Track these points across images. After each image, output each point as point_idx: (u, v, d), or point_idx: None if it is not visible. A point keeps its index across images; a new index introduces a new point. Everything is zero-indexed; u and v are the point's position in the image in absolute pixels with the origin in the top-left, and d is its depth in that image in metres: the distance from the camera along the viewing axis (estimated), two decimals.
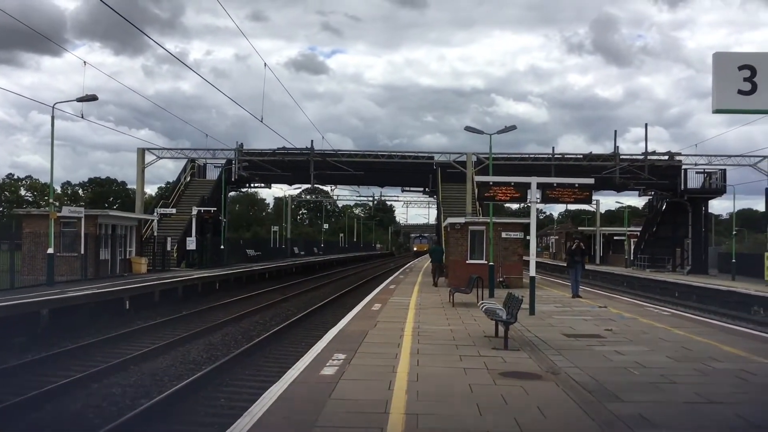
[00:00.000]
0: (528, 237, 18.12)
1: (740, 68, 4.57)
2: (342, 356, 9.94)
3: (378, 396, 7.37)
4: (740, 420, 6.45)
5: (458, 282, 22.83)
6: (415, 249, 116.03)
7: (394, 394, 7.49)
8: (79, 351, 14.67)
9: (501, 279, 25.72)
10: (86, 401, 10.45)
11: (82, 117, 27.20)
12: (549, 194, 16.28)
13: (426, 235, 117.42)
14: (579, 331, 13.36)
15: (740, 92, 4.56)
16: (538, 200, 16.40)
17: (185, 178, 44.38)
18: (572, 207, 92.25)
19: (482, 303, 13.75)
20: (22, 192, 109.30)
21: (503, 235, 26.34)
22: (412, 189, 50.56)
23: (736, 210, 56.06)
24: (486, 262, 24.25)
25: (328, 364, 9.28)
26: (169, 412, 9.86)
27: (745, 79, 4.57)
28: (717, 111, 4.66)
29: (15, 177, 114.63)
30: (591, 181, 16.83)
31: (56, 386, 10.92)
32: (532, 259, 16.92)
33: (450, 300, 19.33)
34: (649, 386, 8.13)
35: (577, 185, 16.40)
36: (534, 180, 16.27)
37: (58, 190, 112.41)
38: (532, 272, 16.78)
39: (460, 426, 6.31)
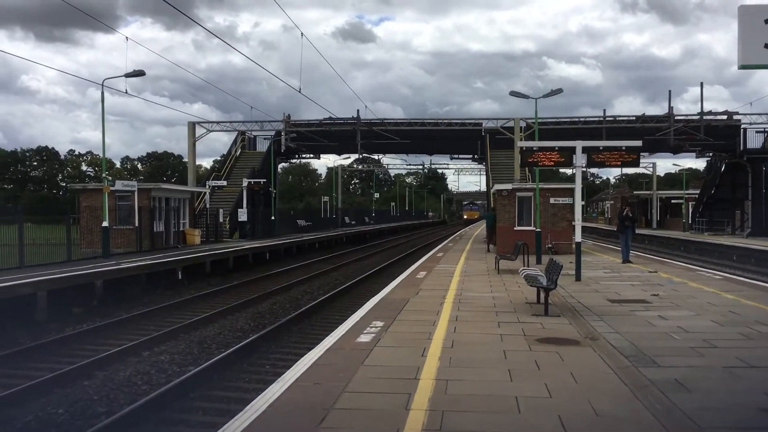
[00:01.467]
0: (575, 203, 17.78)
1: (767, 21, 4.34)
2: (380, 324, 10.03)
3: (410, 363, 7.43)
4: None
5: (506, 249, 22.65)
6: (465, 217, 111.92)
7: (426, 361, 7.53)
8: (131, 321, 15.20)
9: (550, 245, 25.44)
10: (136, 368, 10.84)
11: (126, 92, 27.78)
12: (595, 158, 15.93)
13: (478, 202, 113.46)
14: (624, 297, 13.14)
15: (767, 46, 4.33)
16: (584, 165, 16.08)
17: (236, 151, 45.05)
18: (629, 171, 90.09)
19: (523, 269, 13.64)
20: (84, 167, 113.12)
21: (551, 201, 26.00)
22: (461, 156, 50.15)
23: None
24: (534, 228, 23.99)
25: (365, 332, 9.38)
26: (214, 378, 10.15)
27: None
28: (743, 67, 4.45)
29: (76, 153, 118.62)
30: (639, 143, 16.37)
31: (106, 355, 11.35)
32: (578, 224, 16.65)
33: (496, 267, 19.23)
34: (689, 351, 7.97)
35: (624, 148, 15.98)
36: (579, 144, 15.93)
37: (118, 164, 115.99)
38: (578, 238, 16.53)
39: (489, 391, 6.31)
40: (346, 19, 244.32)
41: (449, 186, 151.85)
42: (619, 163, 16.10)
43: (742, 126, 41.90)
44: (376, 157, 75.76)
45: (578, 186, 16.68)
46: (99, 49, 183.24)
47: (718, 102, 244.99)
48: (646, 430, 5.21)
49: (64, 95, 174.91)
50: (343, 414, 5.65)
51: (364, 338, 8.90)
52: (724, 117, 42.13)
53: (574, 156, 15.83)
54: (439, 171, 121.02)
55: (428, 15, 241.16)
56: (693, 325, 9.72)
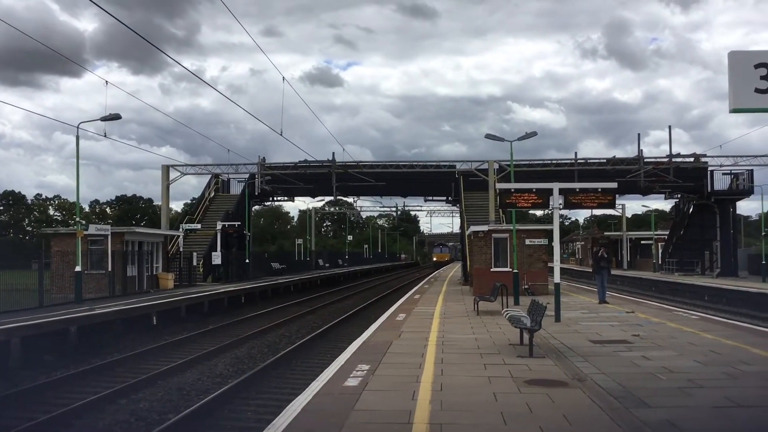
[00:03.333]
0: (553, 243, 17.98)
1: (756, 66, 4.51)
2: (366, 367, 9.94)
3: (402, 406, 7.35)
4: None
5: (483, 290, 22.71)
6: (434, 259, 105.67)
7: (417, 404, 7.46)
8: (106, 367, 14.83)
9: (526, 286, 25.58)
10: (114, 417, 10.54)
11: (105, 136, 27.76)
12: (572, 199, 16.17)
13: (449, 244, 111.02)
14: (605, 337, 13.21)
15: (757, 90, 4.49)
16: (561, 206, 16.29)
17: (209, 194, 44.82)
18: (598, 212, 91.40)
19: (506, 311, 13.67)
20: (51, 212, 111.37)
21: (527, 242, 26.22)
22: (434, 198, 50.45)
23: (765, 210, 55.09)
24: (510, 269, 24.13)
25: (352, 375, 9.28)
26: (195, 426, 9.92)
27: (762, 78, 4.51)
28: (734, 110, 4.60)
29: (43, 197, 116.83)
30: (614, 185, 16.69)
31: (83, 403, 11.03)
32: (556, 265, 16.79)
33: (474, 308, 19.25)
34: (676, 391, 8.02)
35: (600, 189, 16.28)
36: (556, 186, 16.18)
37: (86, 208, 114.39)
38: (557, 279, 16.65)
39: None
40: (314, 63, 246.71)
41: (422, 228, 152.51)
42: (596, 204, 16.38)
43: (710, 168, 42.97)
44: (349, 199, 76.00)
45: (556, 227, 16.88)
46: (64, 93, 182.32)
47: (680, 145, 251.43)
48: None
49: (29, 139, 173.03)
50: None
51: (352, 382, 8.80)
52: (692, 159, 43.18)
53: (551, 197, 16.05)
54: (412, 213, 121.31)
55: (396, 60, 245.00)
56: (677, 366, 9.80)
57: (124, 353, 16.67)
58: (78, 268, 24.12)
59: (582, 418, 6.88)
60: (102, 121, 24.76)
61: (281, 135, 29.01)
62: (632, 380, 8.67)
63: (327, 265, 66.84)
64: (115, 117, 24.47)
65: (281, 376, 14.01)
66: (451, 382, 8.82)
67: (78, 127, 24.68)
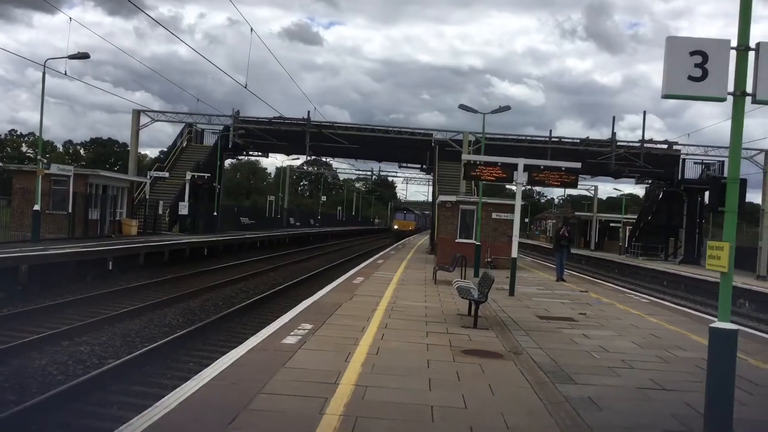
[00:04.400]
0: (522, 220, 18.02)
1: (692, 53, 4.47)
2: (309, 326, 9.95)
3: (332, 367, 7.37)
4: (687, 408, 6.44)
5: (445, 260, 22.82)
6: (395, 227, 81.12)
7: (349, 366, 7.49)
8: (54, 308, 14.71)
9: (489, 260, 25.72)
10: (53, 358, 10.48)
11: (66, 74, 26.98)
12: (535, 176, 16.23)
13: (415, 211, 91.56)
14: (553, 314, 13.37)
15: (690, 78, 4.47)
16: (524, 182, 16.35)
17: (182, 143, 44.18)
18: (574, 192, 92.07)
19: (456, 281, 13.75)
20: (24, 149, 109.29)
21: (494, 216, 26.30)
22: (409, 165, 50.32)
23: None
24: (474, 241, 24.24)
25: (292, 333, 9.29)
26: (134, 373, 9.89)
27: (696, 65, 4.48)
28: (666, 96, 4.58)
29: (18, 133, 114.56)
30: (578, 165, 16.75)
31: (22, 342, 10.94)
32: (515, 240, 16.89)
33: (433, 278, 19.34)
34: (606, 370, 8.14)
35: (563, 169, 16.36)
36: (521, 161, 16.21)
37: (60, 148, 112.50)
38: (514, 253, 16.76)
39: (406, 399, 6.30)
40: (294, 19, 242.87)
41: (398, 194, 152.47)
42: (559, 183, 16.45)
43: (681, 156, 43.30)
44: (326, 160, 75.56)
45: (518, 202, 16.93)
46: (39, 29, 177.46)
47: (652, 131, 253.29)
48: None
49: (1, 74, 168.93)
50: (255, 415, 5.56)
51: (290, 340, 8.81)
52: (665, 146, 43.46)
53: (515, 173, 16.09)
54: (389, 179, 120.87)
55: (379, 23, 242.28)
56: (614, 346, 9.95)
57: (74, 296, 16.54)
58: (37, 207, 23.76)
59: (506, 389, 6.96)
60: (69, 59, 24.15)
61: (245, 88, 28.59)
62: (566, 357, 8.79)
63: (298, 224, 66.70)
64: (84, 56, 23.89)
65: (231, 330, 14.01)
66: (389, 346, 8.87)
67: (45, 64, 24.11)
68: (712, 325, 4.67)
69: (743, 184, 4.30)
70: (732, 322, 4.80)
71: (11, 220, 26.26)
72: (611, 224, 64.37)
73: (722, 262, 4.46)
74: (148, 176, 37.75)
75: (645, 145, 41.79)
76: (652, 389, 7.27)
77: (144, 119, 43.10)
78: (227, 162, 54.73)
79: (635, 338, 10.81)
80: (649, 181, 47.25)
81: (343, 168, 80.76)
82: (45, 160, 26.55)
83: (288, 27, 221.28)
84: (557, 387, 7.11)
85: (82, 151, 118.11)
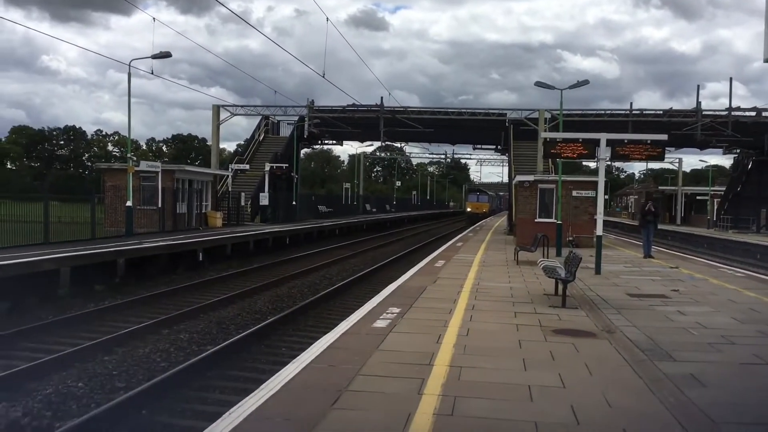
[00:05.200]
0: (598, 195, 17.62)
1: None
2: (397, 310, 10.07)
3: (425, 349, 7.45)
4: None
5: (525, 241, 22.55)
6: (468, 210, 75.45)
7: (441, 348, 7.56)
8: (151, 299, 15.40)
9: (571, 238, 25.26)
10: (155, 346, 11.01)
11: (153, 73, 28.11)
12: (619, 151, 15.78)
13: (489, 192, 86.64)
14: (644, 291, 13.04)
15: None
16: (608, 158, 15.94)
17: (259, 135, 45.21)
18: (655, 166, 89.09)
19: (542, 261, 13.58)
20: (110, 147, 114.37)
21: (574, 193, 25.77)
22: (483, 147, 49.88)
23: None
24: (555, 220, 23.85)
25: (381, 317, 9.43)
26: (232, 358, 10.27)
27: None
28: None
29: (103, 133, 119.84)
30: (664, 137, 16.18)
31: (126, 332, 11.52)
32: (600, 217, 16.52)
33: (515, 258, 19.18)
34: (705, 346, 7.91)
35: (649, 141, 15.85)
36: (603, 136, 15.79)
37: (144, 146, 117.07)
38: (599, 231, 16.40)
39: (502, 379, 6.32)
40: (360, 6, 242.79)
41: (471, 176, 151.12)
42: (644, 156, 15.96)
43: None
44: (398, 145, 75.61)
45: (601, 179, 16.55)
46: (116, 31, 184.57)
47: (737, 99, 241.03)
48: (659, 424, 5.19)
49: (84, 76, 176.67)
50: (356, 396, 5.70)
51: (380, 323, 8.95)
52: (753, 113, 41.39)
53: (597, 148, 15.71)
54: (462, 161, 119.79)
55: (445, 4, 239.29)
56: (711, 322, 9.63)
57: (169, 286, 17.27)
58: (129, 203, 24.86)
59: (604, 368, 6.86)
60: (153, 58, 25.07)
61: (323, 77, 28.86)
62: (662, 334, 8.58)
63: (374, 210, 67.17)
64: (166, 55, 24.74)
65: (318, 315, 14.32)
66: (479, 327, 8.89)
67: (130, 65, 25.09)
68: None
69: None
70: None
71: (105, 216, 27.56)
72: (698, 197, 61.97)
73: None
74: (230, 169, 38.86)
75: (732, 113, 39.92)
76: (757, 364, 7.03)
77: (223, 114, 44.33)
78: (303, 152, 55.68)
79: (734, 313, 10.42)
80: (737, 151, 45.22)
81: (416, 152, 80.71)
82: (135, 158, 27.69)
83: (354, 14, 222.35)
84: (656, 364, 6.95)
85: (164, 148, 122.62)
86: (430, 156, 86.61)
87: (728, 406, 5.57)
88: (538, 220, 26.12)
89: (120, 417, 7.43)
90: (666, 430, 5.06)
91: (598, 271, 15.91)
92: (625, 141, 15.81)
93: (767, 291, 13.36)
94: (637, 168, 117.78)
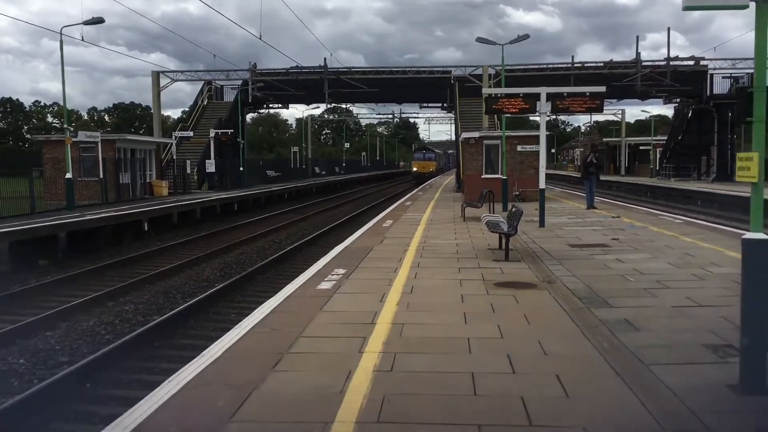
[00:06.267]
0: (549, 150, 17.82)
1: None
2: (342, 271, 10.10)
3: (368, 308, 7.50)
4: (724, 322, 6.46)
5: (473, 197, 22.77)
6: (414, 169, 71.51)
7: (384, 306, 7.62)
8: (96, 272, 15.10)
9: (517, 193, 25.66)
10: (99, 318, 10.83)
11: (82, 39, 27.17)
12: (559, 105, 15.98)
13: (437, 150, 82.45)
14: (585, 242, 13.35)
15: None
16: (548, 111, 16.11)
17: (202, 101, 44.25)
18: (600, 118, 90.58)
19: (485, 216, 13.76)
20: (50, 119, 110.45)
21: (518, 148, 26.07)
22: (430, 105, 49.85)
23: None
24: (501, 176, 24.12)
25: (326, 279, 9.45)
26: (178, 327, 10.19)
27: None
28: (687, 8, 4.45)
29: (42, 104, 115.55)
30: (602, 89, 16.40)
31: (69, 306, 11.29)
32: (542, 171, 16.76)
33: (462, 215, 19.38)
34: (641, 292, 8.17)
35: (588, 94, 16.08)
36: (543, 90, 15.94)
37: (85, 116, 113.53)
38: (542, 184, 16.65)
39: (443, 334, 6.43)
40: None
41: (421, 135, 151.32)
42: (583, 109, 16.20)
43: (709, 71, 42.13)
44: (346, 106, 75.07)
45: (543, 132, 16.76)
46: None
47: (676, 48, 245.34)
48: (591, 368, 5.36)
49: (17, 45, 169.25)
50: (298, 357, 5.72)
51: (325, 285, 8.97)
52: (691, 63, 42.29)
53: (538, 103, 15.86)
54: (411, 120, 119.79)
55: None
56: (649, 268, 9.94)
57: (114, 258, 16.95)
58: (68, 175, 24.15)
59: (542, 317, 7.04)
60: (85, 24, 24.14)
61: (260, 39, 28.32)
62: (600, 282, 8.82)
63: (323, 172, 66.84)
64: (98, 20, 23.83)
65: (267, 280, 14.28)
66: (423, 284, 8.99)
67: (61, 32, 24.11)
68: (745, 236, 4.65)
69: None
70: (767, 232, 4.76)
71: (45, 190, 26.75)
72: (641, 147, 63.39)
73: (752, 173, 4.40)
74: (173, 137, 38.03)
75: (671, 62, 40.71)
76: (689, 307, 7.30)
77: (164, 80, 43.23)
78: (248, 117, 54.78)
79: (670, 259, 10.78)
80: (677, 101, 46.25)
81: (364, 113, 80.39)
82: (72, 129, 26.84)
83: None
84: (593, 312, 7.16)
85: (106, 117, 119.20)
86: (378, 116, 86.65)
87: (658, 348, 5.78)
88: (485, 176, 26.40)
89: (63, 391, 7.32)
90: (598, 373, 5.23)
91: (542, 224, 16.19)
92: (565, 94, 15.99)
93: (704, 236, 13.83)
94: (582, 121, 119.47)
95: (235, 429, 4.19)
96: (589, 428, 4.12)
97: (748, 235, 4.61)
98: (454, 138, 71.58)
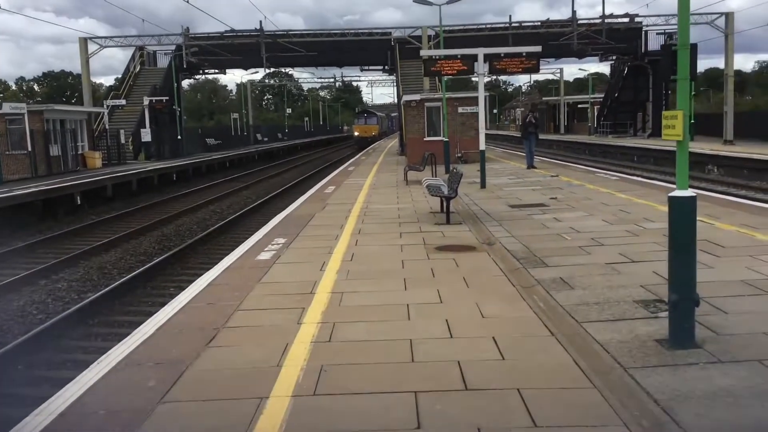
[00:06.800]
0: (491, 111, 17.92)
1: None
2: (282, 240, 9.97)
3: (308, 278, 7.42)
4: (655, 277, 6.61)
5: (415, 160, 22.78)
6: (356, 134, 69.53)
7: (324, 275, 7.55)
8: (26, 249, 14.55)
9: (460, 155, 25.75)
10: (31, 298, 10.46)
11: (1, 7, 25.60)
12: (496, 65, 15.99)
13: (379, 113, 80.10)
14: (524, 202, 13.51)
15: None
16: (486, 72, 16.13)
17: (134, 68, 42.67)
18: (539, 77, 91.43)
19: (425, 179, 13.75)
20: None
21: (459, 110, 26.10)
22: (371, 68, 49.34)
23: (700, 70, 55.82)
24: (443, 138, 24.14)
25: (266, 249, 9.31)
26: (115, 304, 9.92)
27: None
28: None
29: None
30: (538, 48, 16.47)
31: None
32: (482, 132, 16.84)
33: (405, 179, 19.36)
34: (576, 250, 8.30)
35: (524, 54, 16.12)
36: (481, 51, 15.92)
37: (13, 86, 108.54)
38: (482, 146, 16.74)
39: (382, 301, 6.40)
40: None
41: (364, 98, 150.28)
42: (521, 69, 16.28)
43: (644, 29, 42.79)
44: (286, 71, 73.76)
45: (481, 93, 16.80)
46: None
47: (612, 6, 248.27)
48: (528, 329, 5.42)
49: None
50: (234, 332, 5.61)
51: (264, 256, 8.83)
52: (626, 20, 42.84)
53: (476, 63, 15.84)
54: (354, 83, 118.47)
55: None
56: (584, 226, 10.11)
57: (45, 234, 16.38)
58: None
59: (480, 280, 7.09)
60: None
61: (188, 2, 27.37)
62: (538, 242, 8.93)
63: (266, 139, 65.81)
64: None
65: (207, 252, 14.03)
66: (364, 252, 8.94)
67: None
68: (671, 194, 4.72)
69: (693, 49, 4.21)
70: (700, 188, 4.85)
71: None
72: (579, 106, 64.41)
73: (677, 131, 4.44)
74: (105, 106, 36.69)
75: (606, 20, 41.18)
76: (622, 263, 7.44)
77: (92, 47, 41.45)
78: (185, 83, 53.37)
79: (605, 216, 11.00)
80: (614, 58, 46.96)
81: (305, 78, 79.16)
82: None
83: None
84: (530, 272, 7.24)
85: (36, 87, 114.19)
86: (320, 80, 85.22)
87: (591, 305, 5.88)
88: (427, 138, 26.39)
89: None
90: (533, 334, 5.29)
91: (483, 185, 16.32)
92: (502, 55, 15.99)
93: (638, 192, 14.17)
94: (523, 81, 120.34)
95: (165, 410, 4.08)
96: (523, 390, 4.15)
97: (675, 192, 4.67)
98: (397, 101, 70.89)
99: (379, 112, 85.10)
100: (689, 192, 4.61)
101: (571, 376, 4.39)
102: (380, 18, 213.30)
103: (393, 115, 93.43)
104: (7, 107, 26.09)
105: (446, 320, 5.65)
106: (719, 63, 52.02)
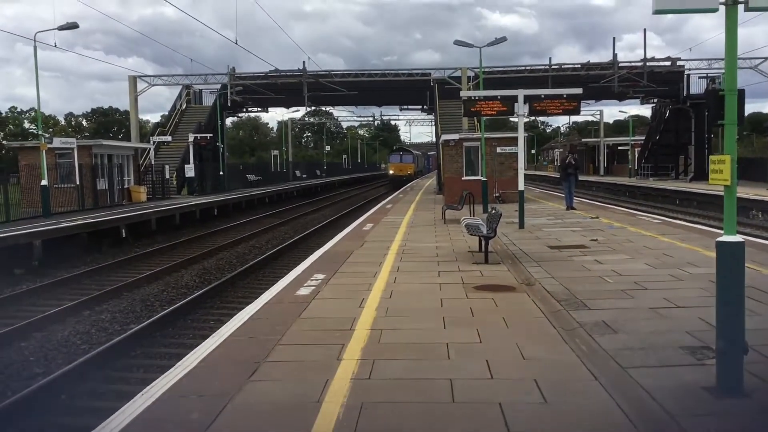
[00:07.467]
0: (529, 151, 17.93)
1: None
2: (321, 276, 10.03)
3: (347, 314, 7.45)
4: (701, 323, 6.49)
5: (453, 199, 22.81)
6: (391, 172, 65.17)
7: (363, 311, 7.57)
8: (71, 280, 14.89)
9: (497, 194, 25.74)
10: (75, 328, 10.67)
11: (55, 46, 27.01)
12: (536, 107, 16.05)
13: (415, 152, 76.54)
14: (564, 243, 13.39)
15: None
16: (526, 113, 16.18)
17: (181, 105, 43.92)
18: (579, 119, 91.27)
19: (464, 219, 13.76)
20: (26, 125, 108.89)
21: (498, 150, 26.11)
22: (410, 107, 49.88)
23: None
24: (481, 178, 24.16)
25: (305, 285, 9.37)
26: (156, 336, 10.07)
27: None
28: (657, 11, 4.45)
29: (18, 110, 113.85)
30: (579, 91, 16.50)
31: (44, 316, 11.10)
32: (521, 172, 16.82)
33: (442, 217, 19.38)
34: (619, 293, 8.19)
35: (564, 96, 16.15)
36: (521, 92, 16.01)
37: (62, 121, 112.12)
38: (521, 186, 16.70)
39: (421, 339, 6.38)
40: None
41: (402, 137, 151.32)
42: (560, 110, 16.28)
43: (685, 72, 42.56)
44: (326, 109, 74.90)
45: (521, 134, 16.82)
46: (24, 2, 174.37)
47: (653, 49, 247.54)
48: (569, 372, 5.35)
49: None
50: (275, 366, 5.65)
51: (304, 291, 8.90)
52: (668, 63, 42.70)
53: (515, 105, 15.92)
54: (392, 122, 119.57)
55: None
56: (627, 269, 9.98)
57: (90, 266, 16.74)
58: (44, 182, 23.85)
59: (520, 321, 7.03)
60: (60, 30, 23.84)
61: (236, 44, 28.19)
62: (579, 284, 8.84)
63: (304, 176, 66.62)
64: (73, 26, 23.56)
65: (247, 286, 14.17)
66: (402, 289, 8.94)
67: (35, 38, 23.83)
68: (719, 239, 4.66)
69: (741, 94, 4.21)
70: (743, 234, 4.79)
71: (21, 197, 26.42)
72: (619, 147, 63.91)
73: (725, 176, 4.41)
74: (151, 142, 37.68)
75: (647, 63, 41.10)
76: (666, 308, 7.32)
77: (141, 85, 42.90)
78: (228, 120, 54.51)
79: (648, 259, 10.84)
80: (655, 101, 46.69)
81: (345, 116, 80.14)
82: (47, 135, 26.53)
83: None
84: (571, 314, 7.17)
85: (84, 123, 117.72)
86: (359, 119, 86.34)
87: (636, 350, 5.78)
88: (465, 178, 26.45)
89: (37, 404, 7.19)
90: (576, 377, 5.22)
91: (521, 225, 16.24)
92: (542, 96, 16.06)
93: (682, 236, 13.94)
94: (562, 121, 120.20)
95: None
96: None
97: (722, 237, 4.62)
98: (434, 139, 70.77)
99: (417, 150, 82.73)
100: (738, 237, 4.56)
101: (616, 422, 4.31)
102: (419, 58, 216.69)
103: (430, 153, 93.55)
104: (58, 142, 27.01)
105: (486, 360, 5.62)
106: (762, 108, 51.30)
